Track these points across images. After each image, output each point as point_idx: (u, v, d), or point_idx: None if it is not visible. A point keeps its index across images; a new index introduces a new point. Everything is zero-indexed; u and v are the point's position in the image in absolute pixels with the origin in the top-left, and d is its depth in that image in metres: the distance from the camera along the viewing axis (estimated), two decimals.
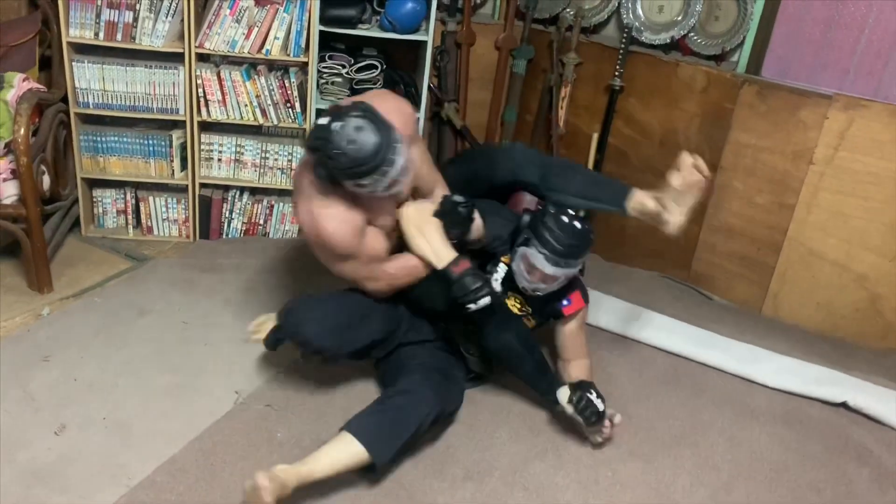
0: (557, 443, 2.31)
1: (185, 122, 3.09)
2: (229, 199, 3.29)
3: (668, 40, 3.21)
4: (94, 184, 3.23)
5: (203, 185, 3.24)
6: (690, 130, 3.26)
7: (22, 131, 2.52)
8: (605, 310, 3.03)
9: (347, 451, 1.93)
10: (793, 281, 3.14)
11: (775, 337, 3.01)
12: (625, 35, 3.23)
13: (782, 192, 3.08)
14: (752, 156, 3.12)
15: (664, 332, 2.92)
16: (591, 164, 3.44)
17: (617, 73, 3.28)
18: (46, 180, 2.77)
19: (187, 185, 3.21)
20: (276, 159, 3.23)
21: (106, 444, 2.09)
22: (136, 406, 2.25)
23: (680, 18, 3.17)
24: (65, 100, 2.97)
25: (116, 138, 3.12)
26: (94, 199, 3.25)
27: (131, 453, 2.06)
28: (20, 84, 2.67)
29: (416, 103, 3.24)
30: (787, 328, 3.13)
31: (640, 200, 2.35)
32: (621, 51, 3.24)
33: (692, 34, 3.20)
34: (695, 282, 3.44)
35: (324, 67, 3.14)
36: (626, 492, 2.15)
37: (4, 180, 2.64)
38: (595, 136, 3.42)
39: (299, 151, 3.21)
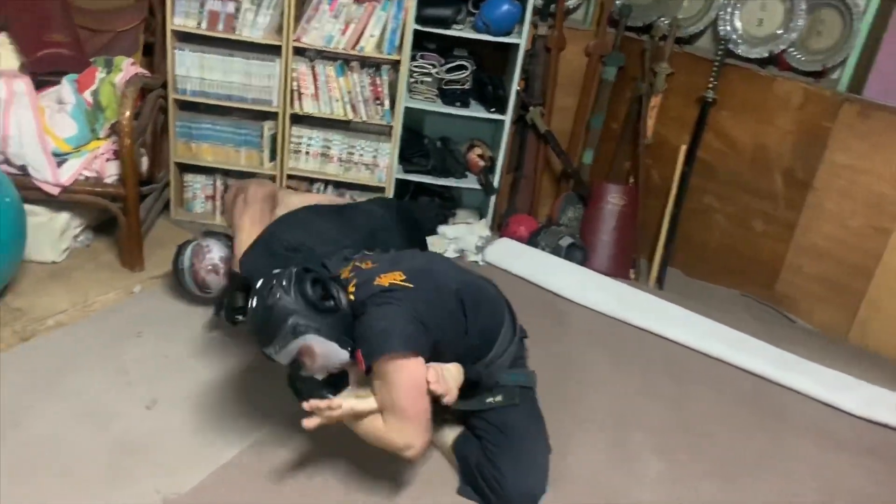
0: (639, 456, 2.27)
1: (276, 113, 3.16)
2: (314, 191, 3.34)
3: (766, 54, 3.14)
4: (185, 169, 3.32)
5: (290, 177, 3.30)
6: (783, 147, 3.17)
7: (127, 114, 2.61)
8: (683, 323, 2.97)
9: None
10: (885, 309, 3.03)
11: (862, 365, 2.91)
12: (721, 47, 3.16)
13: (878, 217, 2.98)
14: (849, 177, 3.02)
15: (744, 351, 2.84)
16: (677, 177, 3.38)
17: (710, 86, 3.22)
18: (145, 162, 2.86)
19: (275, 175, 3.27)
20: (361, 155, 3.27)
21: (195, 422, 2.14)
22: (223, 386, 2.30)
23: (780, 32, 3.09)
24: (164, 86, 3.07)
25: (210, 126, 3.21)
26: (185, 184, 3.34)
27: (218, 433, 2.11)
28: (128, 68, 2.77)
29: (503, 106, 3.24)
30: (874, 357, 3.02)
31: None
32: (716, 63, 3.18)
33: (792, 49, 3.12)
34: (777, 303, 3.35)
35: (415, 66, 3.17)
36: None
37: (107, 160, 2.73)
38: (683, 148, 3.37)
39: (385, 148, 3.25)
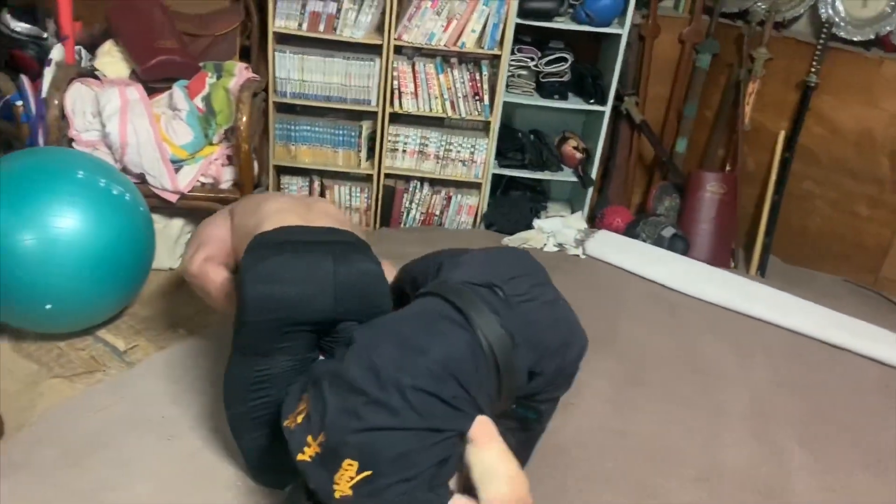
0: (784, 448, 2.25)
1: (373, 112, 3.15)
2: (410, 189, 3.33)
3: (872, 36, 3.07)
4: (282, 171, 3.32)
5: (386, 175, 3.29)
6: (890, 131, 3.12)
7: (245, 119, 2.61)
8: (797, 312, 2.93)
9: None
10: None
11: None
12: (824, 30, 3.11)
13: None
14: None
15: (866, 339, 2.80)
16: (777, 163, 3.34)
17: (813, 70, 3.17)
18: (255, 167, 2.86)
19: (372, 175, 3.27)
20: (458, 151, 3.25)
21: None
22: None
23: (890, 11, 3.03)
24: (265, 89, 3.07)
25: (308, 127, 3.20)
26: (282, 186, 3.34)
27: None
28: (241, 73, 2.77)
29: (602, 98, 3.21)
30: None
31: None
32: (819, 46, 3.12)
33: None
34: (882, 288, 3.30)
35: (512, 60, 3.14)
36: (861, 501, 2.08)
37: (222, 165, 2.74)
38: (782, 134, 3.32)
39: (482, 144, 3.23)
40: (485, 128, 3.25)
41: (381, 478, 1.33)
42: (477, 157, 3.26)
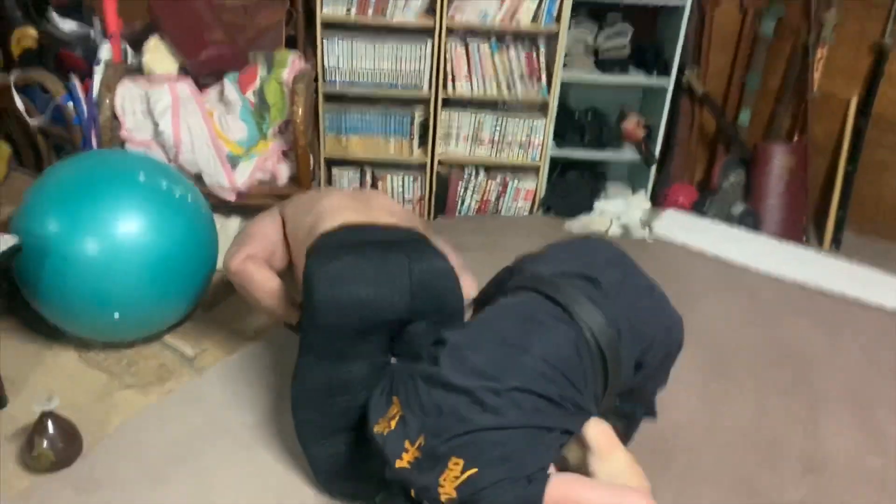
0: (892, 434, 2.12)
1: (425, 98, 3.03)
2: (465, 176, 3.22)
3: None
4: (332, 163, 3.22)
5: (439, 163, 3.18)
6: None
7: (301, 111, 2.52)
8: (884, 288, 2.79)
9: None
10: None
11: None
12: None
13: None
14: None
15: None
16: (849, 132, 3.17)
17: (888, 31, 2.99)
18: (310, 161, 2.76)
19: (425, 163, 3.16)
20: (514, 134, 3.13)
21: None
22: None
23: None
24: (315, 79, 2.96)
25: (359, 116, 3.10)
26: (333, 179, 3.25)
27: None
28: (294, 63, 2.66)
29: (665, 70, 3.07)
30: None
31: None
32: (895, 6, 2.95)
33: None
34: None
35: (570, 36, 3.00)
36: None
37: (278, 161, 2.65)
38: (854, 101, 3.15)
39: (539, 125, 3.10)
40: (541, 108, 3.12)
41: (487, 476, 1.26)
42: (534, 140, 3.13)
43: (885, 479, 1.96)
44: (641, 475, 1.37)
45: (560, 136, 3.20)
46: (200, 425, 1.98)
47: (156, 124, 2.51)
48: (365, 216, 1.82)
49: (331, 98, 3.10)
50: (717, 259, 2.96)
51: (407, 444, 1.34)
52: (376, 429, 1.41)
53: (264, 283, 1.88)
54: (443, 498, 1.29)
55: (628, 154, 3.25)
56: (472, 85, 3.01)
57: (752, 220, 3.16)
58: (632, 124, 3.23)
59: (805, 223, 3.32)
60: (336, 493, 1.75)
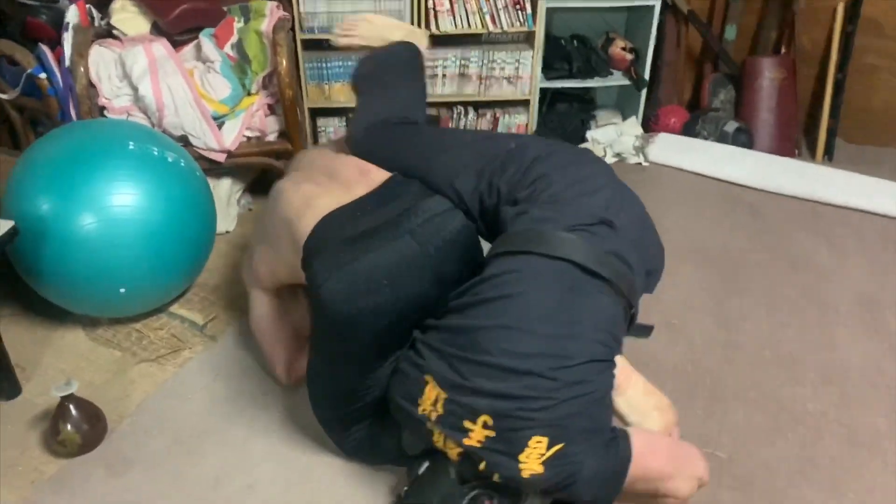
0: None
1: None
2: (454, 116, 3.15)
3: None
4: (316, 113, 3.14)
5: (428, 105, 3.09)
6: None
7: (284, 62, 2.42)
8: (882, 194, 2.80)
9: None
10: None
11: None
12: None
13: None
14: None
15: None
16: (837, 39, 3.14)
17: None
18: (298, 113, 2.68)
19: None
20: (502, 69, 3.06)
21: None
22: None
23: None
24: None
25: (341, 63, 3.00)
26: (319, 129, 3.16)
27: None
28: (273, 12, 2.55)
29: None
30: None
31: None
32: None
33: None
34: None
35: None
36: None
37: (265, 116, 2.56)
38: (840, 7, 3.11)
39: (526, 57, 3.03)
40: (527, 39, 3.04)
41: (575, 447, 1.24)
42: (522, 72, 3.06)
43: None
44: (659, 394, 1.42)
45: (548, 67, 3.13)
46: (224, 394, 1.95)
47: (135, 88, 2.41)
48: (343, 195, 1.60)
49: (310, 46, 2.99)
50: (716, 179, 2.96)
51: (468, 424, 1.29)
52: (420, 409, 1.35)
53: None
54: (525, 474, 1.25)
55: (618, 80, 3.19)
56: (455, 20, 2.92)
57: (745, 138, 3.15)
58: (618, 49, 3.17)
59: (797, 135, 3.31)
60: (368, 464, 1.73)
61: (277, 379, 1.93)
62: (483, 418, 1.27)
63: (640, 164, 3.09)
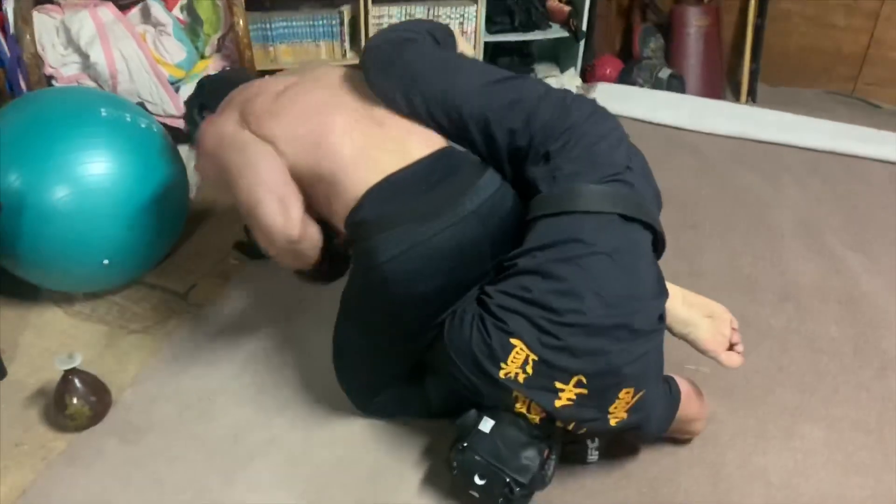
0: (841, 255, 2.38)
1: None
2: None
3: None
4: (263, 75, 3.08)
5: None
6: None
7: (241, 22, 2.39)
8: (801, 129, 3.05)
9: None
10: None
11: None
12: None
13: None
14: None
15: (874, 143, 2.95)
16: None
17: None
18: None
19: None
20: (447, 23, 3.09)
21: None
22: None
23: None
24: None
25: (285, 23, 2.96)
26: None
27: None
28: None
29: None
30: None
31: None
32: None
33: None
34: (863, 94, 3.46)
35: None
36: None
37: None
38: None
39: (471, 12, 3.08)
40: None
41: (651, 391, 1.36)
42: (467, 27, 3.12)
43: (849, 294, 2.22)
44: (703, 301, 1.62)
45: (490, 21, 3.19)
46: (223, 355, 1.96)
47: (85, 56, 2.32)
48: (398, 154, 1.48)
49: (252, 6, 2.92)
50: (656, 124, 3.12)
51: (559, 385, 1.32)
52: (503, 373, 1.33)
53: (318, 242, 1.56)
54: (612, 422, 1.35)
55: (557, 32, 3.29)
56: None
57: (678, 83, 3.32)
58: (556, 2, 3.26)
59: (723, 79, 3.52)
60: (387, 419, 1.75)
61: (282, 234, 1.48)
62: (576, 378, 1.30)
63: None
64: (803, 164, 2.88)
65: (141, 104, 2.39)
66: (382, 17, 3.02)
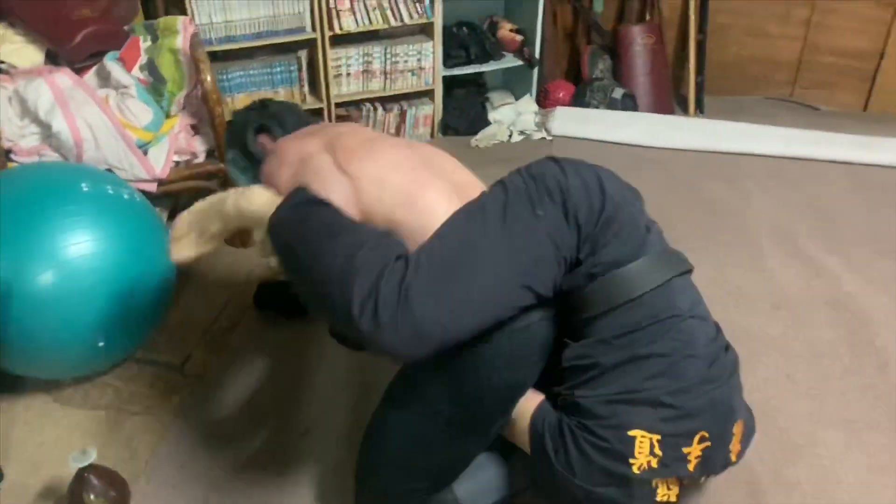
0: (819, 258, 2.47)
1: (309, 40, 2.89)
2: (364, 113, 3.14)
3: None
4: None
5: (337, 105, 3.07)
6: None
7: (210, 78, 2.31)
8: (755, 137, 3.17)
9: None
10: None
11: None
12: None
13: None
14: None
15: (824, 145, 3.10)
16: (694, 4, 3.47)
17: None
18: None
19: (322, 108, 3.04)
20: (405, 61, 3.09)
21: None
22: None
23: None
24: None
25: (242, 72, 2.90)
26: None
27: None
28: (186, 28, 2.40)
29: None
30: None
31: None
32: None
33: None
34: (800, 97, 3.63)
35: None
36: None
37: (194, 136, 2.43)
38: None
39: (427, 48, 3.08)
40: (423, 30, 3.10)
41: (747, 413, 1.45)
42: (424, 63, 3.12)
43: (834, 297, 2.31)
44: None
45: (447, 56, 3.20)
46: (235, 428, 1.87)
47: (46, 126, 2.19)
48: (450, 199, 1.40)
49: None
50: (616, 143, 3.19)
51: (686, 450, 1.29)
52: (636, 468, 1.27)
53: None
54: (733, 459, 1.39)
55: (511, 61, 3.33)
56: (356, 18, 2.91)
57: (631, 101, 3.41)
58: (506, 31, 3.31)
59: (671, 94, 3.63)
60: None
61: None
62: (699, 434, 1.29)
63: (544, 138, 3.26)
64: (764, 171, 2.99)
65: (108, 171, 2.28)
66: (340, 59, 2.99)
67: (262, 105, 1.75)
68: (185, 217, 1.57)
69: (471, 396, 1.36)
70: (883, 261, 2.47)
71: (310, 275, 1.30)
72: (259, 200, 1.45)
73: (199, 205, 1.56)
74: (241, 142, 1.70)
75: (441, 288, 1.24)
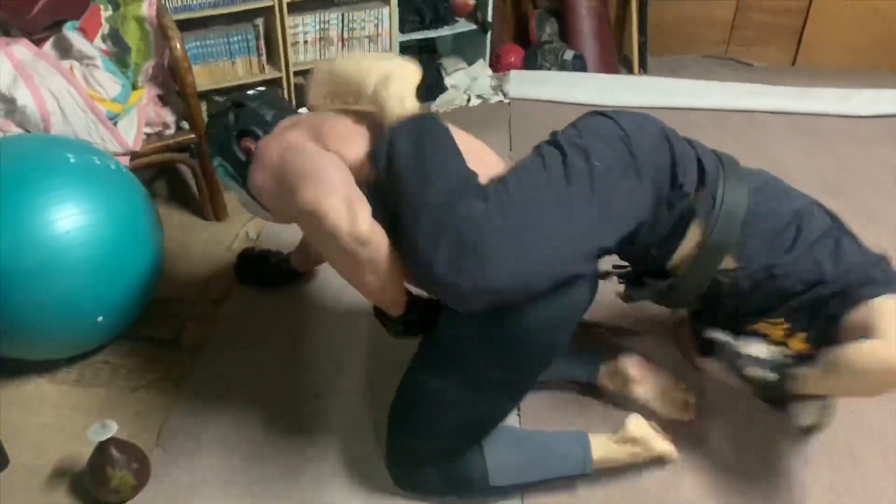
0: None
1: (269, 7, 2.83)
2: None
3: None
4: None
5: (295, 74, 3.03)
6: None
7: (179, 46, 2.25)
8: (701, 92, 3.33)
9: None
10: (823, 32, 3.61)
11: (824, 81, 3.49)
12: None
13: None
14: None
15: (761, 96, 3.28)
16: None
17: None
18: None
19: (279, 78, 2.99)
20: (362, 28, 3.08)
21: None
22: None
23: None
24: None
25: (198, 43, 2.81)
26: None
27: None
28: None
29: None
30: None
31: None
32: None
33: None
34: (735, 55, 3.82)
35: None
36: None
37: (163, 107, 2.37)
38: None
39: (384, 13, 3.08)
40: None
41: None
42: (381, 29, 3.11)
43: None
44: None
45: (401, 21, 3.20)
46: (245, 396, 1.87)
47: (9, 100, 2.09)
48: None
49: None
50: (573, 104, 3.26)
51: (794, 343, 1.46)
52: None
53: (393, 259, 1.38)
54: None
55: (465, 26, 3.36)
56: None
57: (581, 63, 3.50)
58: None
59: (615, 55, 3.75)
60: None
61: (349, 233, 1.30)
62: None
63: (501, 101, 3.32)
64: (712, 124, 3.14)
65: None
66: (298, 27, 2.95)
67: (238, 105, 1.70)
68: (325, 68, 1.60)
69: (512, 357, 1.39)
70: (824, 199, 2.64)
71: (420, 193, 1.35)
72: (397, 95, 1.44)
73: (343, 66, 1.56)
74: (224, 151, 1.68)
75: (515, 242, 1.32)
